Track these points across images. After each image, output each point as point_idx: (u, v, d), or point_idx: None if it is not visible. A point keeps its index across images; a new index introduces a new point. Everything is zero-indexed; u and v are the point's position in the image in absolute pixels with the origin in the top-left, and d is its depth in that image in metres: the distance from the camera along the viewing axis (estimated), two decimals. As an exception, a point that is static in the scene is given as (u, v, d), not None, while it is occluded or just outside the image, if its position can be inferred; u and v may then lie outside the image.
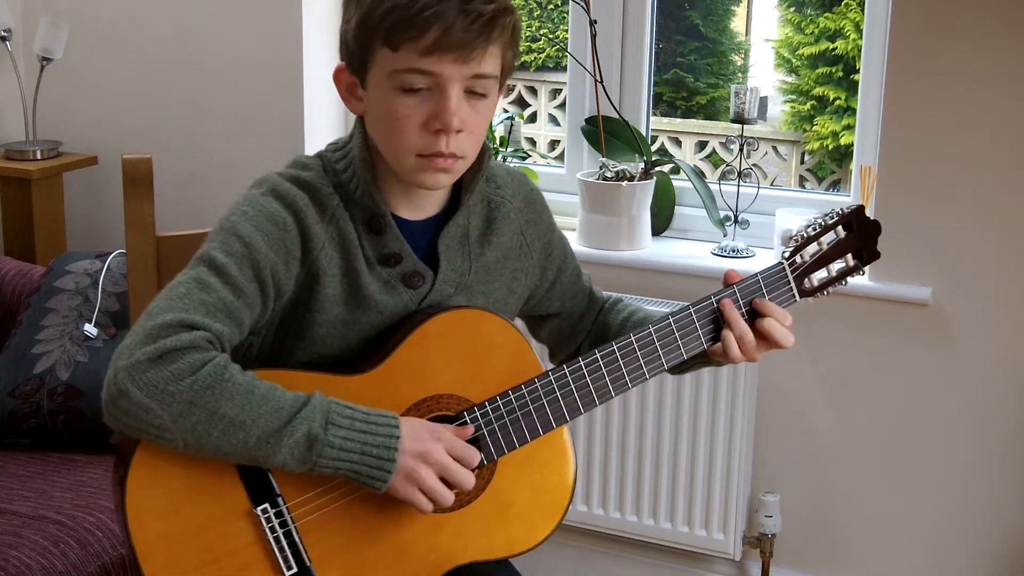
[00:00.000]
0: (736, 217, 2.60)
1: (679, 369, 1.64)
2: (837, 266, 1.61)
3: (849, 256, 1.62)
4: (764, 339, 1.56)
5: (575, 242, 2.67)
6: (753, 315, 1.56)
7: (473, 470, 1.45)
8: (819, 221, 1.60)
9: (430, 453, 1.40)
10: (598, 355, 1.52)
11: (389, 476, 1.38)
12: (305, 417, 1.35)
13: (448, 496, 1.41)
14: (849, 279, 1.63)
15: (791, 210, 2.55)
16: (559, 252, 1.68)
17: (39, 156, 2.94)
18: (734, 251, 2.58)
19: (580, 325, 1.72)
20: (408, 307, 1.51)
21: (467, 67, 1.39)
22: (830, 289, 1.62)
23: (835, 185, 5.63)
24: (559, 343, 1.74)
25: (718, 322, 1.56)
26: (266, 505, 1.40)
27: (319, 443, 1.34)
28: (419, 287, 1.51)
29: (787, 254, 1.59)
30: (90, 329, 2.50)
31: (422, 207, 1.53)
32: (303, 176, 1.47)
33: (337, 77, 1.50)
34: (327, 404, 1.37)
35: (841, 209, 1.62)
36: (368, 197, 1.47)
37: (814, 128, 5.66)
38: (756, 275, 1.58)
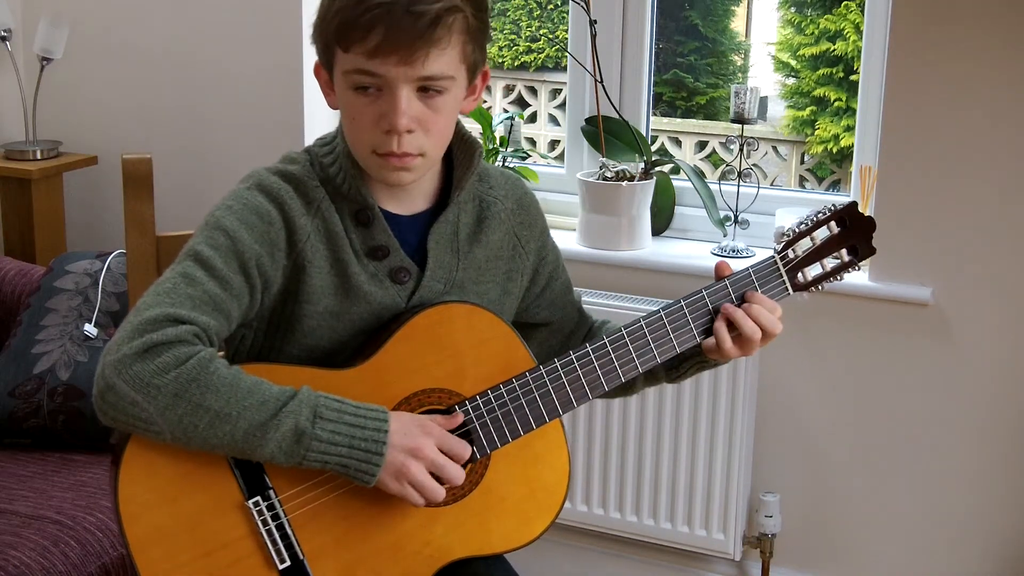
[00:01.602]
0: (736, 217, 2.60)
1: (676, 374, 1.64)
2: (831, 262, 1.62)
3: (844, 251, 1.62)
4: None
5: (575, 242, 2.67)
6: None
7: (464, 465, 1.45)
8: (811, 217, 1.61)
9: (420, 448, 1.40)
10: (589, 348, 1.53)
11: (378, 470, 1.38)
12: (291, 411, 1.35)
13: (439, 491, 1.42)
14: (844, 274, 1.63)
15: (791, 210, 2.55)
16: (552, 259, 1.68)
17: (39, 156, 2.94)
18: (734, 251, 2.58)
19: (570, 342, 1.72)
20: (395, 302, 1.51)
21: (411, 69, 1.39)
22: (825, 284, 1.62)
23: (835, 185, 5.64)
24: (548, 358, 1.72)
25: (710, 316, 1.56)
26: (258, 498, 1.41)
27: (307, 437, 1.35)
28: (405, 282, 1.51)
29: (779, 248, 1.60)
30: (90, 329, 2.51)
31: (408, 201, 1.53)
32: (289, 170, 1.49)
33: (316, 73, 1.52)
34: (315, 398, 1.37)
35: (834, 205, 1.62)
36: (355, 190, 1.48)
37: (816, 132, 5.67)
38: (747, 269, 1.58)
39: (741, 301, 1.56)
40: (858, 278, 2.43)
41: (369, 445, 1.37)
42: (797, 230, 1.60)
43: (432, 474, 1.42)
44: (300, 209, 1.46)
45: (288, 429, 1.35)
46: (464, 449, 1.44)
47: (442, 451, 1.42)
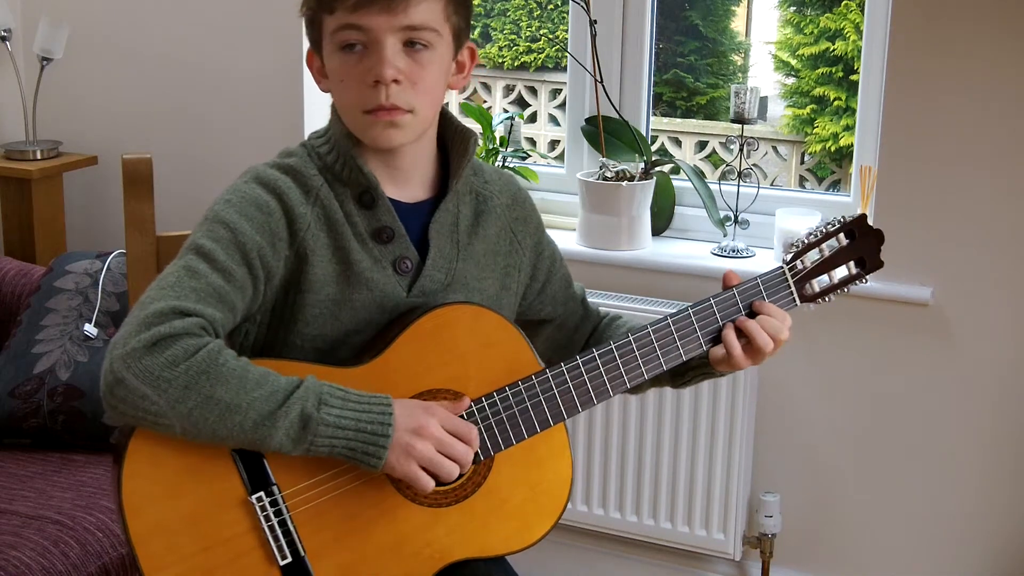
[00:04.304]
0: (736, 217, 2.60)
1: (681, 381, 1.64)
2: (839, 273, 1.62)
3: (851, 264, 1.63)
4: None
5: (575, 242, 2.67)
6: (752, 317, 1.56)
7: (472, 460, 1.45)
8: (820, 228, 1.62)
9: (425, 427, 1.41)
10: (596, 353, 1.53)
11: (384, 452, 1.38)
12: (299, 398, 1.36)
13: (451, 467, 1.42)
14: (851, 287, 1.64)
15: (791, 210, 2.55)
16: (549, 254, 1.69)
17: (39, 156, 2.94)
18: (734, 251, 2.58)
19: (576, 336, 1.73)
20: (396, 290, 1.51)
21: (395, 18, 1.42)
22: (832, 296, 1.62)
23: (835, 185, 5.64)
24: (556, 354, 1.72)
25: (717, 325, 1.56)
26: (261, 493, 1.41)
27: (313, 422, 1.36)
28: (406, 272, 1.52)
29: (788, 259, 1.60)
30: (90, 329, 2.51)
31: (407, 187, 1.54)
32: (286, 162, 1.51)
33: (308, 62, 1.54)
34: (319, 386, 1.38)
35: (843, 217, 1.63)
36: (357, 172, 1.49)
37: (815, 131, 5.67)
38: (756, 278, 1.59)
39: (749, 310, 1.57)
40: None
41: (375, 428, 1.38)
42: (806, 241, 1.61)
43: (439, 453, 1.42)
44: (299, 198, 1.47)
45: (295, 416, 1.35)
46: (470, 430, 1.44)
47: (447, 431, 1.43)
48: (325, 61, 1.49)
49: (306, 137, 1.57)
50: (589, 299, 1.76)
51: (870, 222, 2.43)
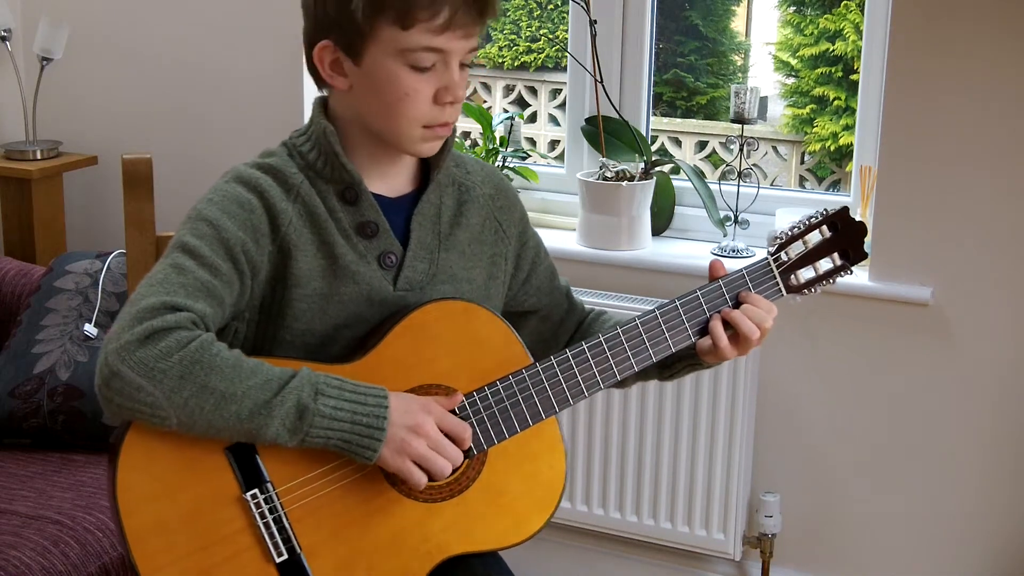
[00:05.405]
0: (736, 217, 2.60)
1: (668, 373, 1.65)
2: (824, 265, 1.63)
3: (836, 255, 1.63)
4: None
5: (575, 242, 2.67)
6: (737, 308, 1.57)
7: (463, 458, 1.46)
8: (803, 220, 1.62)
9: (421, 425, 1.42)
10: (585, 346, 1.54)
11: (379, 445, 1.39)
12: (294, 387, 1.37)
13: (443, 465, 1.43)
14: (836, 278, 1.64)
15: (791, 210, 2.55)
16: (533, 244, 1.70)
17: (39, 156, 2.94)
18: (734, 251, 2.58)
19: (560, 330, 1.74)
20: (383, 284, 1.53)
21: (468, 42, 1.47)
22: (817, 287, 1.63)
23: (835, 185, 5.64)
24: (540, 347, 1.73)
25: (704, 316, 1.57)
26: (256, 490, 1.41)
27: (309, 412, 1.37)
28: (391, 267, 1.54)
29: (772, 250, 1.61)
30: (90, 329, 2.51)
31: (392, 181, 1.56)
32: (266, 161, 1.53)
33: (320, 54, 1.50)
34: (315, 376, 1.40)
35: (826, 209, 1.63)
36: (340, 169, 1.50)
37: (814, 130, 5.67)
38: (741, 270, 1.59)
39: (735, 301, 1.57)
40: (858, 278, 2.43)
41: (371, 420, 1.39)
42: (789, 233, 1.62)
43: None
44: (280, 195, 1.49)
45: (291, 405, 1.37)
46: (464, 430, 1.46)
47: (442, 430, 1.44)
48: (371, 69, 1.46)
49: (288, 136, 1.59)
50: (587, 299, 1.76)
51: (870, 221, 2.45)
